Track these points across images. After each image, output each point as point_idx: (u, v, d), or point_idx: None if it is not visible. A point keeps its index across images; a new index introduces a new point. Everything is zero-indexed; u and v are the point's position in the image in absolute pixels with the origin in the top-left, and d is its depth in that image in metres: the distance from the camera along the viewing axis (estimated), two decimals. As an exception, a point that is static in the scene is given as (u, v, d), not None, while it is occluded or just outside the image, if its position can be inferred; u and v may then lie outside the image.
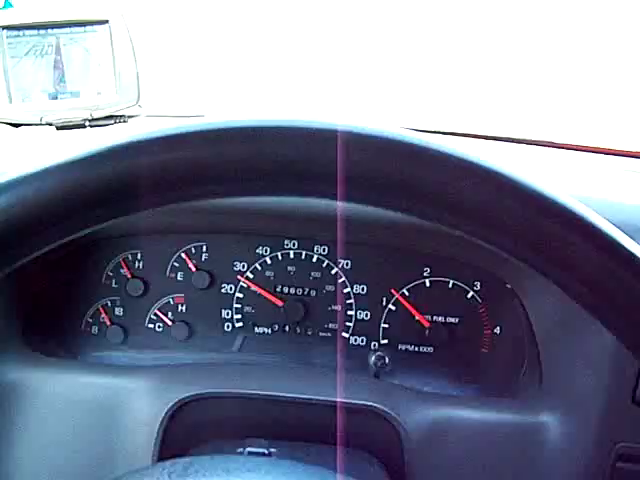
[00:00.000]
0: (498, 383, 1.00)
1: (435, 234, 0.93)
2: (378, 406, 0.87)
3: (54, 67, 0.98)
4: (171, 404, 0.87)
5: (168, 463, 0.44)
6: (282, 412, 0.89)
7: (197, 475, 0.42)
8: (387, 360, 0.96)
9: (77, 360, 1.01)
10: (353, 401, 0.88)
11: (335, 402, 0.87)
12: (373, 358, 0.96)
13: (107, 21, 0.99)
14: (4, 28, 0.95)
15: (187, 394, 0.87)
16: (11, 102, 0.98)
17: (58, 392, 0.91)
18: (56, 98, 0.99)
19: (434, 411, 0.89)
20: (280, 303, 1.02)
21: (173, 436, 0.87)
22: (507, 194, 0.35)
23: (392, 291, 1.01)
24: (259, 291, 1.02)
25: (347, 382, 0.92)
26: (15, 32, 0.97)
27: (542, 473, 0.89)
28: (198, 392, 0.88)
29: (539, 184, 0.35)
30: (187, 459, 0.45)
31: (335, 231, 0.95)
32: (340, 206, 0.89)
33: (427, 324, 1.01)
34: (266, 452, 0.77)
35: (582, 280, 0.36)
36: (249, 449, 0.78)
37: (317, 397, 0.88)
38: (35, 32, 0.97)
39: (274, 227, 0.98)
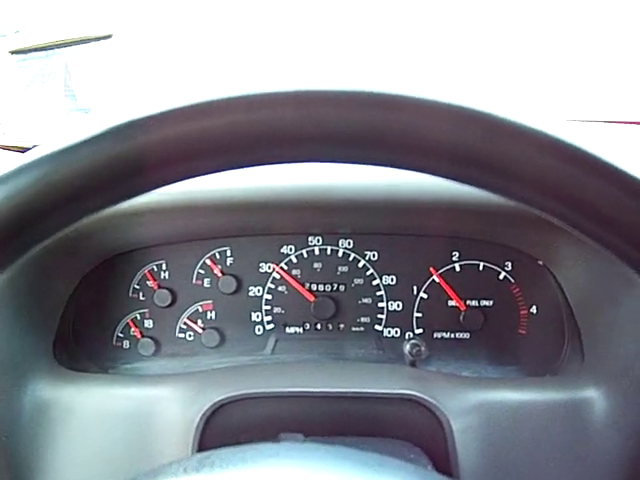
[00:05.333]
0: (539, 362, 1.04)
1: (460, 215, 0.98)
2: (416, 394, 0.91)
3: (64, 86, 1.06)
4: (205, 409, 0.92)
5: (184, 459, 0.46)
6: (318, 408, 0.93)
7: (213, 467, 0.44)
8: (422, 348, 1.01)
9: (108, 374, 1.08)
10: (390, 391, 0.92)
11: (372, 393, 0.92)
12: (408, 347, 1.01)
13: (110, 36, 1.07)
14: (13, 53, 1.03)
15: (220, 397, 0.92)
16: (23, 126, 1.06)
17: (92, 406, 0.97)
18: (68, 116, 1.07)
19: (474, 395, 0.93)
20: (312, 298, 1.07)
21: (209, 440, 0.92)
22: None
23: (430, 271, 1.06)
24: (294, 284, 1.07)
25: (383, 373, 0.97)
26: (23, 56, 1.05)
27: (591, 449, 0.92)
28: (231, 394, 0.92)
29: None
30: (205, 453, 0.47)
31: (359, 221, 1.02)
32: (362, 194, 0.94)
33: (463, 307, 1.06)
34: None
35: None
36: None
37: (353, 390, 0.92)
38: (42, 54, 1.06)
39: (297, 221, 1.03)
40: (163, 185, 0.41)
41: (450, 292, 1.06)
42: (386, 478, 0.45)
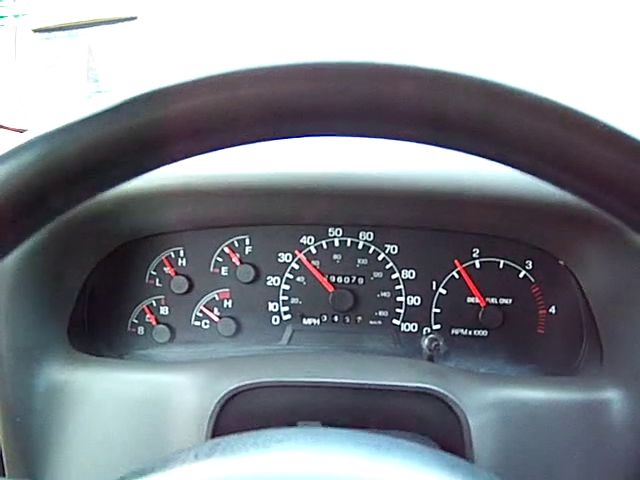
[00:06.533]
0: (556, 362, 1.04)
1: (482, 211, 0.98)
2: (435, 389, 0.91)
3: (87, 67, 1.06)
4: (220, 396, 0.92)
5: (195, 445, 0.47)
6: (335, 399, 0.93)
7: (224, 452, 0.44)
8: (441, 343, 1.01)
9: (124, 359, 1.08)
10: (408, 384, 0.92)
11: (390, 386, 0.93)
12: (426, 342, 1.01)
13: (135, 17, 1.07)
14: (36, 31, 1.03)
15: (236, 385, 0.92)
16: (44, 107, 1.06)
17: (107, 391, 0.97)
18: (90, 98, 1.07)
19: (493, 392, 0.93)
20: (331, 289, 1.07)
21: (224, 428, 0.92)
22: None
23: (455, 263, 1.07)
24: (313, 275, 1.08)
25: (401, 366, 0.97)
26: (46, 35, 1.05)
27: (609, 450, 0.92)
28: (247, 382, 0.93)
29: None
30: (216, 439, 0.47)
31: (380, 213, 1.02)
32: (384, 185, 0.95)
33: (483, 304, 1.06)
34: None
35: None
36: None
37: (371, 382, 0.92)
38: (65, 34, 1.05)
39: (317, 211, 1.03)
40: (184, 158, 0.41)
41: (472, 287, 1.06)
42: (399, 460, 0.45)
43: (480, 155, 0.41)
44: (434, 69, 0.38)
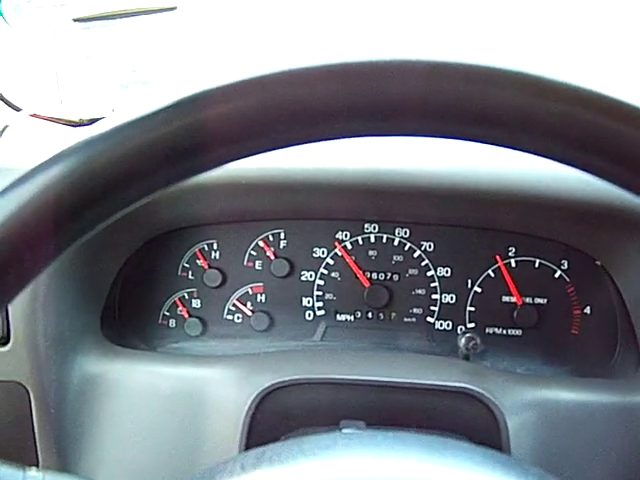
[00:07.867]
0: (592, 364, 1.03)
1: (519, 209, 0.97)
2: (473, 388, 0.91)
3: (125, 57, 1.05)
4: (257, 392, 0.91)
5: (241, 455, 0.46)
6: (373, 397, 0.93)
7: (271, 461, 0.44)
8: (478, 342, 1.01)
9: (156, 352, 1.07)
10: (447, 383, 0.91)
11: (429, 385, 0.92)
12: (463, 340, 1.00)
13: (175, 8, 1.06)
14: (76, 21, 1.02)
15: (273, 381, 0.91)
16: (81, 96, 1.06)
17: (140, 383, 0.96)
18: (127, 87, 1.06)
19: (530, 392, 0.93)
20: (367, 284, 1.07)
21: (260, 425, 0.91)
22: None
23: (496, 259, 1.06)
24: (350, 270, 1.07)
25: (439, 365, 0.97)
26: (85, 24, 1.04)
27: None
28: (285, 379, 0.92)
29: None
30: (260, 448, 0.47)
31: (417, 210, 1.01)
32: (421, 182, 0.94)
33: (520, 302, 1.06)
34: None
35: None
36: (345, 431, 0.83)
37: (410, 380, 0.92)
38: (104, 23, 1.05)
39: (354, 207, 1.02)
40: (235, 160, 0.40)
41: (511, 285, 1.05)
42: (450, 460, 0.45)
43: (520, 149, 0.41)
44: (479, 65, 0.38)
